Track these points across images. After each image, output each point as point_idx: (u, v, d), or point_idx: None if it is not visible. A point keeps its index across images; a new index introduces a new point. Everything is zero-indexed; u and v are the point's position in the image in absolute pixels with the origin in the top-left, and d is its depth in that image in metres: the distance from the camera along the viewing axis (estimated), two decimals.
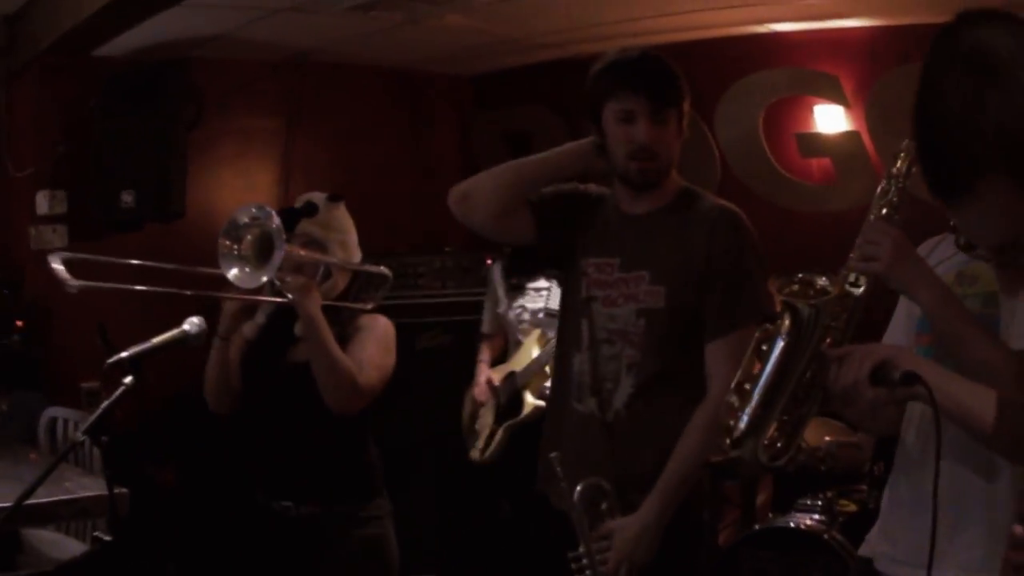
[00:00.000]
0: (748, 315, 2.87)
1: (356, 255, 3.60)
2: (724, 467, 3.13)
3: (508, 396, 5.34)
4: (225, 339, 3.52)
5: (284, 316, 3.49)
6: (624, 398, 3.03)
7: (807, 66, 6.16)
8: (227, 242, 3.23)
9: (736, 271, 2.93)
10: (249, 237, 3.24)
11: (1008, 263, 2.27)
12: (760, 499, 5.34)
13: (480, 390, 5.41)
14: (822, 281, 2.29)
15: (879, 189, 2.39)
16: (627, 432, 3.01)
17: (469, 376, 5.63)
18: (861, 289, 2.30)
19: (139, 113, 5.85)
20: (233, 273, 3.21)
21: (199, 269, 3.35)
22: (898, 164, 2.38)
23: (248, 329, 3.56)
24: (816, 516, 4.57)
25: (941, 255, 2.47)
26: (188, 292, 3.25)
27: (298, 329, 3.41)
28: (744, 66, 6.38)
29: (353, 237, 3.62)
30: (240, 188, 6.57)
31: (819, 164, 6.21)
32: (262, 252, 3.21)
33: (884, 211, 2.35)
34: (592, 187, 3.20)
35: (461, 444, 5.59)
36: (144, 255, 3.37)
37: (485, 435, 5.35)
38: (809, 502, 4.66)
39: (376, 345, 3.50)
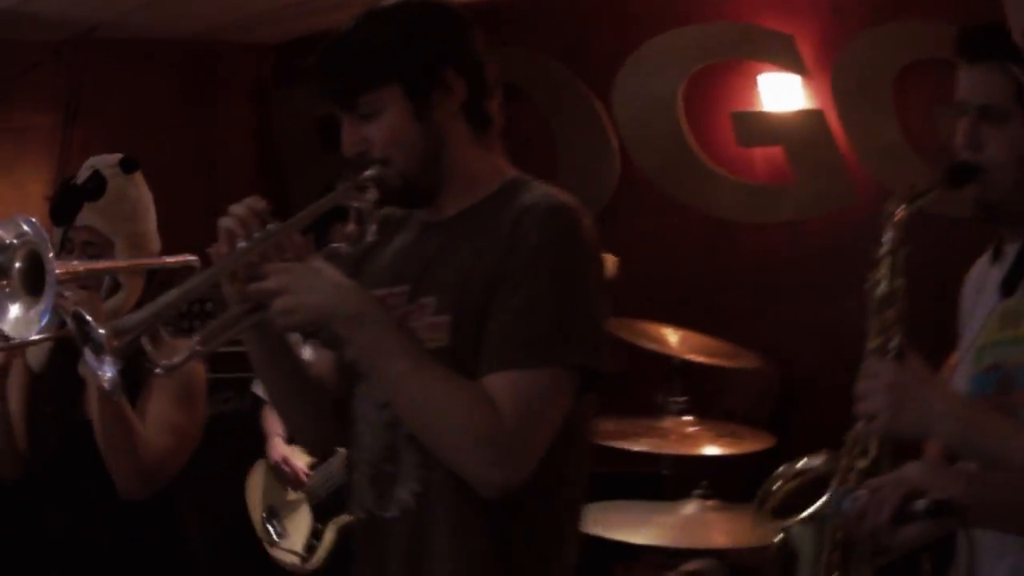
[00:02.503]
0: (541, 349, 2.35)
1: (153, 247, 3.39)
2: None
3: (330, 484, 4.75)
4: None
5: (71, 350, 3.12)
6: (411, 484, 2.47)
7: (749, 21, 5.56)
8: None
9: (533, 276, 2.40)
10: (17, 265, 2.93)
11: None
12: None
13: (294, 468, 4.84)
14: (818, 461, 2.21)
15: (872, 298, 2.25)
16: (416, 535, 2.47)
17: (258, 454, 5.07)
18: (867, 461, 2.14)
19: None
20: (10, 320, 2.89)
21: None
22: (884, 253, 2.23)
23: (33, 358, 3.34)
24: None
25: (990, 293, 2.38)
26: None
27: (82, 368, 3.13)
28: (657, 22, 5.75)
29: (148, 222, 3.40)
30: (12, 201, 6.02)
31: (765, 155, 5.58)
32: (32, 280, 2.90)
33: (876, 340, 2.20)
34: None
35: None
36: None
37: (304, 537, 4.80)
38: None
39: (175, 397, 3.25)
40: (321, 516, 4.82)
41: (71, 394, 3.25)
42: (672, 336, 4.44)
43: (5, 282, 2.95)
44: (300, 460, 4.89)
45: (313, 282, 2.37)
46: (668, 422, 4.20)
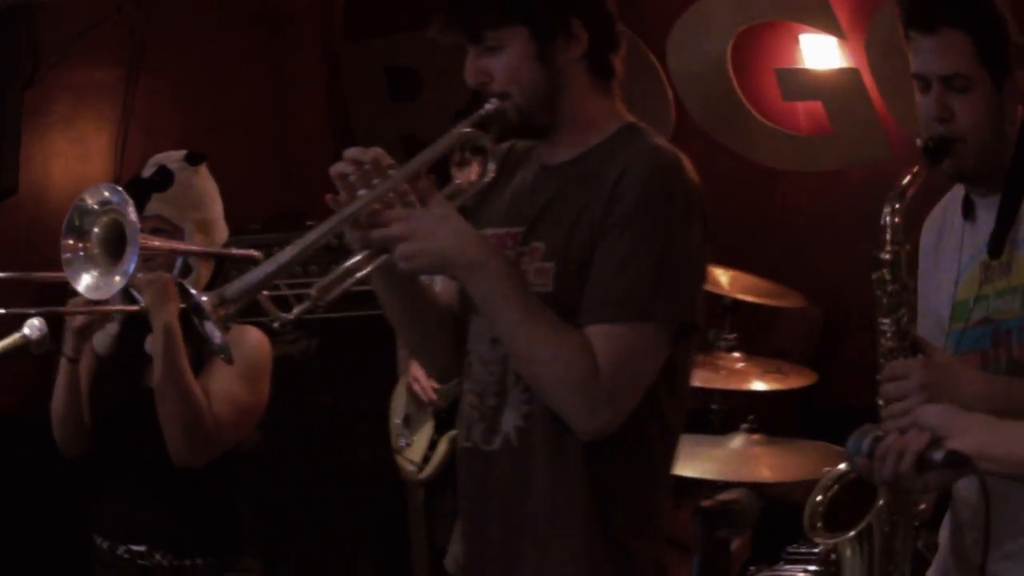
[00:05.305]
0: (638, 304, 2.35)
1: (221, 234, 3.41)
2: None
3: (452, 394, 4.61)
4: (74, 360, 3.22)
5: (137, 326, 3.23)
6: (515, 419, 2.47)
7: None
8: (70, 241, 2.97)
9: (632, 233, 2.38)
10: (96, 230, 2.98)
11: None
12: (735, 545, 4.50)
13: (423, 386, 4.75)
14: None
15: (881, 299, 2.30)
16: (517, 468, 2.48)
17: (335, 391, 5.08)
18: None
19: None
20: (85, 283, 2.96)
21: (35, 275, 3.36)
22: (886, 254, 2.30)
23: (100, 342, 3.32)
24: (812, 568, 3.86)
25: (955, 242, 2.45)
26: (31, 311, 3.21)
27: (149, 344, 3.17)
28: None
29: (216, 211, 3.41)
30: (74, 157, 5.98)
31: (807, 108, 5.68)
32: (112, 248, 2.96)
33: (888, 341, 2.27)
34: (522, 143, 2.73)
35: (352, 487, 5.04)
36: None
37: (423, 447, 4.78)
38: (804, 550, 3.93)
39: (239, 373, 3.21)
40: (440, 427, 4.82)
41: (137, 369, 3.27)
42: (723, 277, 4.51)
43: (82, 245, 2.99)
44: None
45: (436, 229, 2.35)
46: (719, 358, 4.29)
